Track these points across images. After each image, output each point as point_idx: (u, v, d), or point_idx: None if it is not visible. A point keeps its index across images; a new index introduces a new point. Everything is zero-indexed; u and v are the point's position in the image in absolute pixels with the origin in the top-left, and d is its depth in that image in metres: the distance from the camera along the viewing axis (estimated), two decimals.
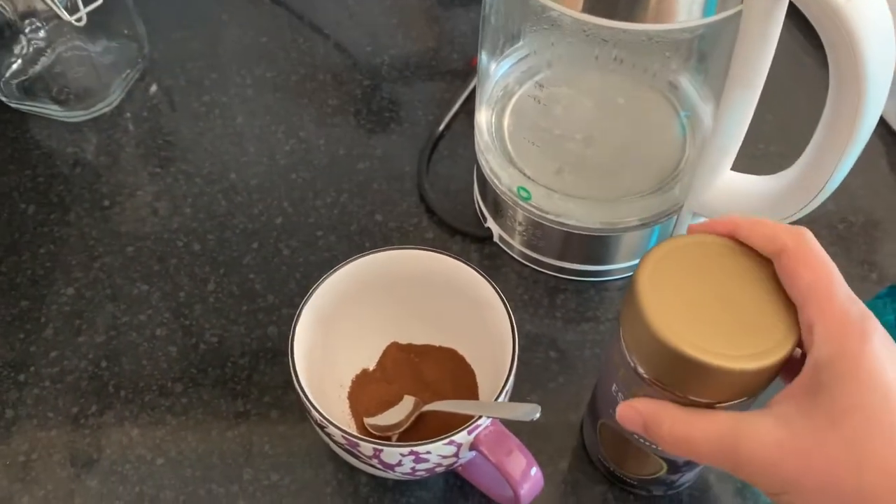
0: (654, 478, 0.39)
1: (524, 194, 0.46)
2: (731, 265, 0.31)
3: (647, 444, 0.35)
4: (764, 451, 0.28)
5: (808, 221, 0.51)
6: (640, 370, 0.32)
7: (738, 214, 0.31)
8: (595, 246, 0.47)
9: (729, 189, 0.43)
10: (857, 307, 0.28)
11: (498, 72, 0.48)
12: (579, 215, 0.45)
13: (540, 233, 0.47)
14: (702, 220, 0.46)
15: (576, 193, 0.45)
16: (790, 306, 0.30)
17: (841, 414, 0.27)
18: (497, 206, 0.48)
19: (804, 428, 0.27)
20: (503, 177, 0.47)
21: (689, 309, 0.30)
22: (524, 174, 0.46)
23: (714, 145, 0.41)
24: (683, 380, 0.30)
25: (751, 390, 0.30)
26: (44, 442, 0.43)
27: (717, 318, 0.29)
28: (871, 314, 0.28)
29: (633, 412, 0.32)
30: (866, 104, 0.34)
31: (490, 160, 0.47)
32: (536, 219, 0.46)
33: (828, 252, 0.50)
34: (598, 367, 0.46)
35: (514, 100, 0.48)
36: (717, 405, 0.30)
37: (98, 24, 0.55)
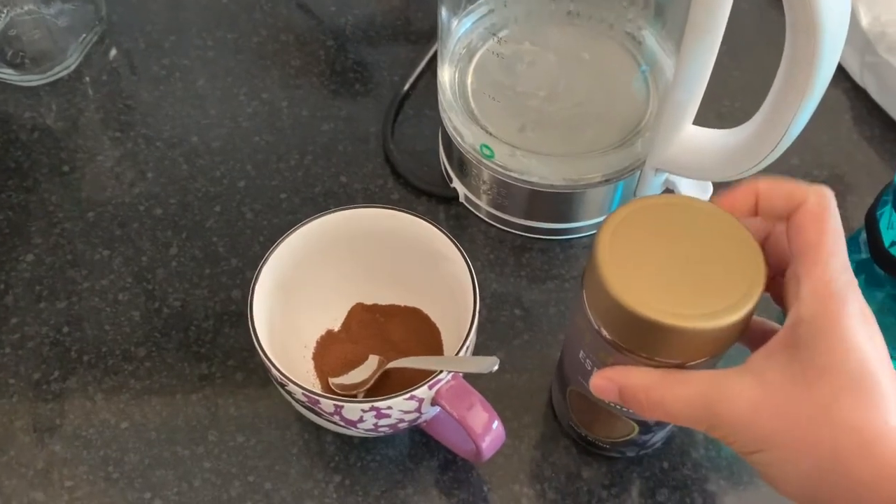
0: (626, 440, 0.39)
1: (487, 152, 0.45)
2: (695, 225, 0.31)
3: (620, 408, 0.35)
4: (740, 410, 0.28)
5: (773, 176, 0.51)
6: (605, 334, 0.32)
7: (757, 180, 0.31)
8: (559, 203, 0.47)
9: (690, 143, 0.43)
10: (847, 275, 0.28)
11: (460, 29, 0.48)
12: (543, 172, 0.45)
13: (504, 191, 0.47)
14: (665, 175, 0.46)
15: (539, 150, 0.45)
16: (754, 266, 0.29)
17: (818, 372, 0.27)
18: (462, 166, 0.48)
19: (780, 386, 0.28)
20: (466, 135, 0.46)
21: (650, 270, 0.29)
22: (487, 132, 0.45)
23: (674, 99, 0.41)
24: (647, 342, 0.30)
25: (714, 349, 0.30)
26: (5, 408, 0.43)
27: (678, 278, 0.29)
28: (856, 282, 0.28)
29: (607, 382, 0.32)
30: (821, 54, 0.34)
31: (453, 118, 0.47)
32: (500, 177, 0.46)
33: None
34: (564, 324, 0.46)
35: (476, 57, 0.48)
36: (686, 365, 0.30)
37: None
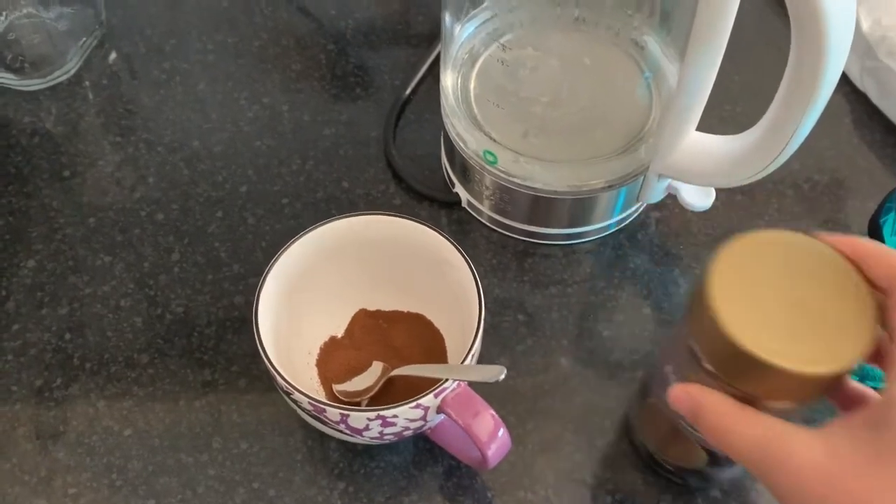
0: (693, 469, 0.39)
1: (490, 158, 0.45)
2: (810, 266, 0.30)
3: (692, 430, 0.35)
4: (798, 470, 0.27)
5: (775, 181, 0.52)
6: (700, 356, 0.31)
7: (864, 240, 0.30)
8: (562, 209, 0.47)
9: (694, 150, 0.43)
10: None
11: (463, 34, 0.48)
12: (546, 178, 0.45)
13: (507, 197, 0.47)
14: (668, 181, 0.46)
15: (542, 156, 0.45)
16: (863, 322, 0.28)
17: (893, 452, 0.26)
18: (465, 171, 0.48)
19: (851, 461, 0.26)
20: (469, 141, 0.46)
21: (758, 305, 0.29)
22: (490, 138, 0.45)
23: (678, 105, 0.41)
24: (739, 373, 0.30)
25: (800, 395, 0.30)
26: (8, 415, 0.43)
27: (786, 318, 0.29)
28: None
29: (685, 395, 0.31)
30: (827, 61, 0.34)
31: (456, 124, 0.47)
32: (503, 183, 0.46)
33: (792, 211, 0.50)
34: (567, 329, 0.46)
35: (479, 62, 0.48)
36: (767, 403, 0.30)
37: None
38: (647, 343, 0.45)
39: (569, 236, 0.49)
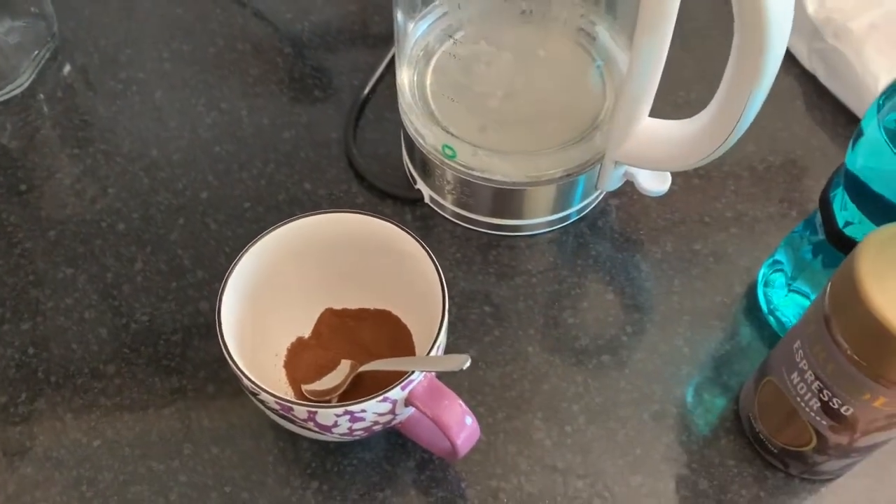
0: (799, 451, 0.39)
1: (449, 152, 0.46)
2: None
3: (808, 410, 0.36)
4: None
5: (731, 164, 0.53)
6: (838, 336, 0.32)
7: None
8: (523, 200, 0.47)
9: (647, 135, 0.43)
10: None
11: (416, 32, 0.48)
12: (505, 170, 0.45)
13: (468, 191, 0.47)
14: (624, 168, 0.47)
15: (500, 148, 0.45)
16: None
17: None
18: (425, 167, 0.48)
19: None
20: (428, 136, 0.47)
21: None
22: (448, 132, 0.46)
23: (629, 92, 0.41)
24: (882, 356, 0.31)
25: None
26: None
27: None
28: None
29: None
30: (769, 41, 0.35)
31: (414, 120, 0.47)
32: (464, 177, 0.46)
33: (749, 193, 0.51)
34: (533, 318, 0.46)
35: (434, 59, 0.48)
36: None
37: (1, 4, 0.53)
38: (611, 328, 0.46)
39: (531, 227, 0.49)
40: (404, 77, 0.48)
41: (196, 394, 0.44)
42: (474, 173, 0.46)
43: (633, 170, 0.47)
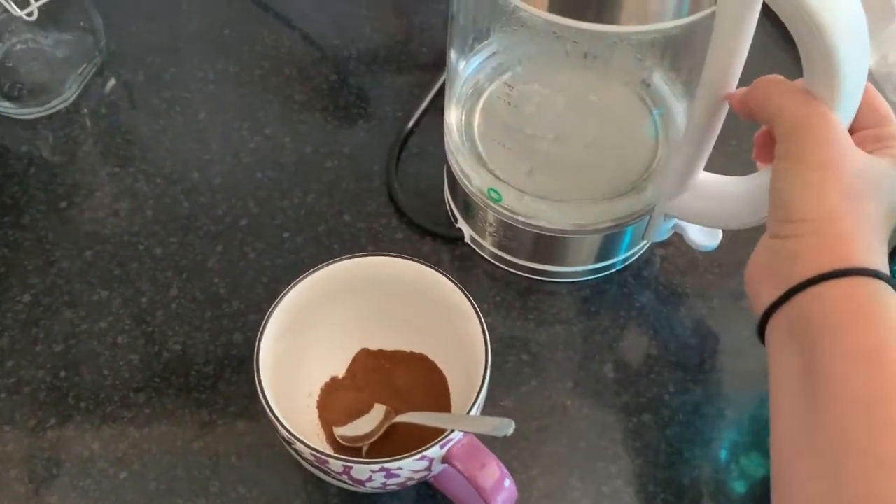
0: None
1: (495, 196, 0.45)
2: None
3: None
4: (836, 136, 0.33)
5: None
6: None
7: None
8: (567, 247, 0.46)
9: (701, 191, 0.42)
10: None
11: (467, 70, 0.47)
12: (551, 217, 0.44)
13: (511, 234, 0.46)
14: (674, 220, 0.46)
15: (547, 195, 0.44)
16: None
17: None
18: (468, 207, 0.47)
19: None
20: (474, 178, 0.46)
21: None
22: (495, 175, 0.45)
23: (686, 146, 0.40)
24: None
25: None
26: (0, 457, 0.41)
27: None
28: None
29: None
30: (840, 103, 0.33)
31: (460, 161, 0.46)
32: (507, 220, 0.45)
33: None
34: (573, 369, 0.45)
35: (483, 98, 0.47)
36: None
37: (51, 17, 0.53)
38: (653, 386, 0.45)
39: (574, 274, 0.48)
40: (452, 117, 0.47)
41: (225, 429, 0.43)
42: (519, 218, 0.45)
43: (684, 222, 0.46)
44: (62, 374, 0.44)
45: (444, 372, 0.43)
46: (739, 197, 0.41)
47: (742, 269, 0.36)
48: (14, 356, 0.45)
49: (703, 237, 0.45)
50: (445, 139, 0.47)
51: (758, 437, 0.43)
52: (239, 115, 0.55)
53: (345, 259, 0.40)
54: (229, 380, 0.44)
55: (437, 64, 0.58)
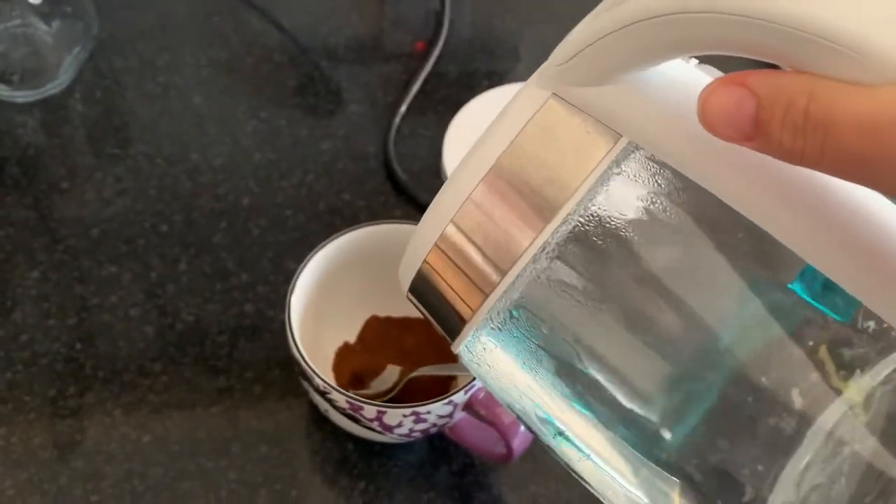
0: None
1: None
2: None
3: None
4: None
5: None
6: None
7: None
8: None
9: None
10: None
11: None
12: None
13: None
14: None
15: None
16: None
17: None
18: None
19: None
20: None
21: None
22: None
23: None
24: None
25: None
26: (23, 426, 0.42)
27: None
28: None
29: (736, 89, 0.18)
30: None
31: None
32: None
33: None
34: None
35: None
36: None
37: (44, 2, 0.54)
38: None
39: None
40: None
41: (243, 394, 0.45)
42: None
43: None
44: (77, 346, 0.46)
45: None
46: None
47: None
48: (28, 330, 0.46)
49: None
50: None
51: None
52: (234, 99, 0.57)
53: (364, 226, 0.42)
54: (244, 348, 0.46)
55: (416, 53, 0.61)
